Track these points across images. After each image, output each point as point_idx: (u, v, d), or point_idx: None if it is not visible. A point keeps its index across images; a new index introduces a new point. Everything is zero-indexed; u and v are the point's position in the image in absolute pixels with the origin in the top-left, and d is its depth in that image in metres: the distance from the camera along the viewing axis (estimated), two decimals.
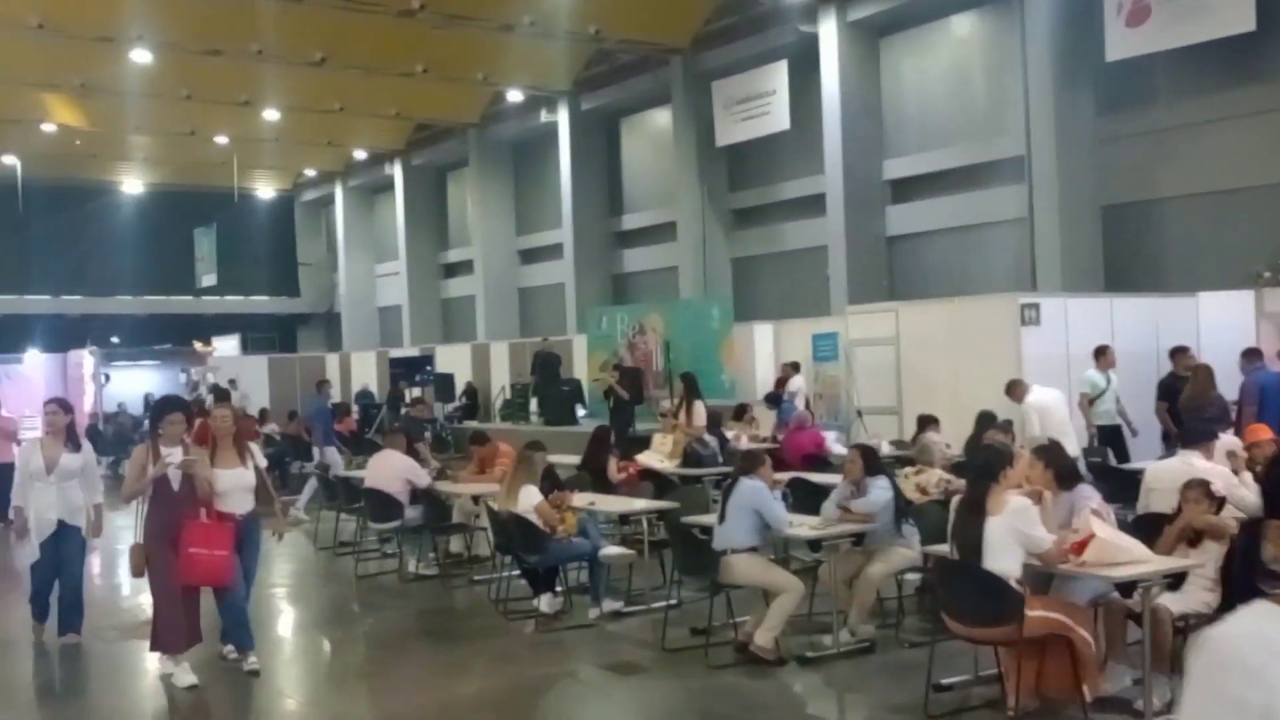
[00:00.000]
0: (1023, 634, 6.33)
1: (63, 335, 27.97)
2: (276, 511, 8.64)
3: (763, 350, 20.31)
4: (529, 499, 9.43)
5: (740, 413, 16.08)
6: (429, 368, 25.24)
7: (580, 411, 21.63)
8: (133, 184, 38.93)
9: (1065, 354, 14.75)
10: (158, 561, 7.67)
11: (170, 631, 7.70)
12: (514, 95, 30.76)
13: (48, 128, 31.95)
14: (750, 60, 25.66)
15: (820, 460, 13.19)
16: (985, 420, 11.14)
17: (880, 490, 8.42)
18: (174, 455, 7.69)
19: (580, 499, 10.23)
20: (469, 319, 35.09)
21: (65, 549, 8.96)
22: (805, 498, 10.36)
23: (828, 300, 23.48)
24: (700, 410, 13.91)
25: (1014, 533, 6.46)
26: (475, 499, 11.28)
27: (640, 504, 10.13)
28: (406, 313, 37.06)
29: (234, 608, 7.97)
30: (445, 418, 22.31)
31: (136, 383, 24.71)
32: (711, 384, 19.48)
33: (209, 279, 36.09)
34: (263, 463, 8.51)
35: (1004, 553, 6.46)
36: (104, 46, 26.24)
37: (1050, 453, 7.37)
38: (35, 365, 23.63)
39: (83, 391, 23.62)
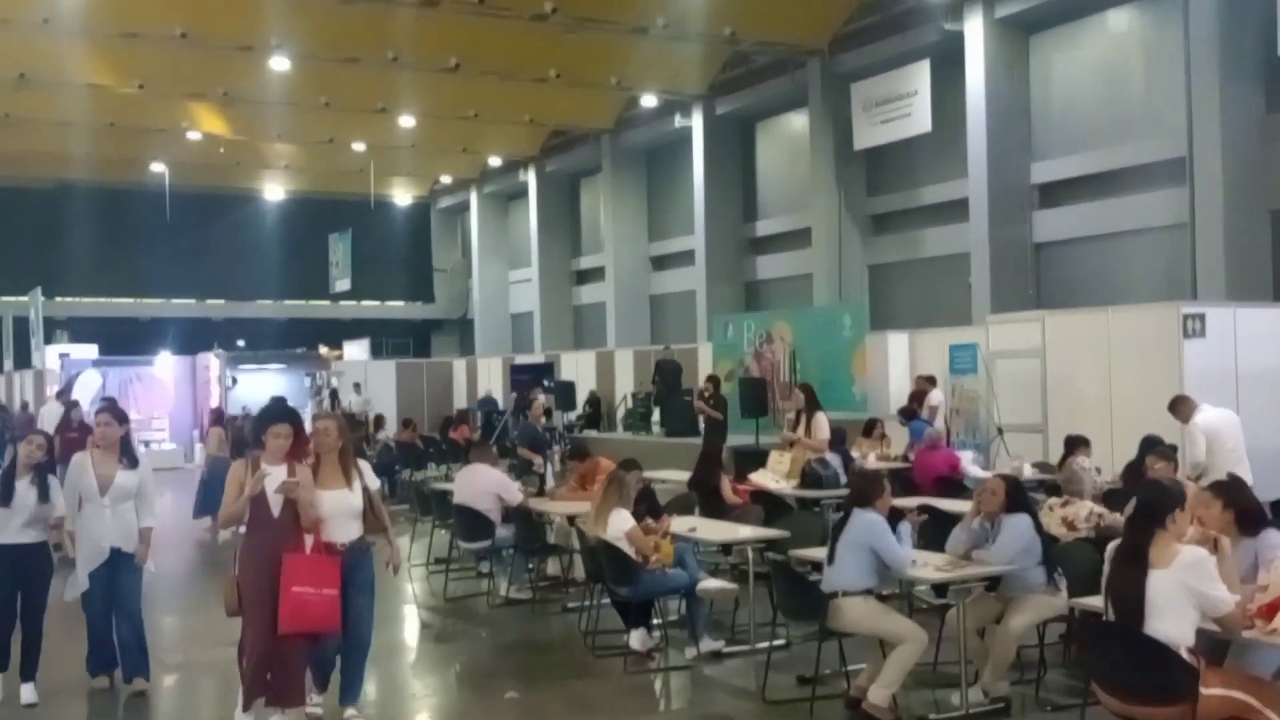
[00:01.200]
0: (1197, 717, 5.03)
1: (201, 339, 28.08)
2: (389, 539, 7.07)
3: (897, 361, 18.88)
4: (620, 524, 8.36)
5: (869, 429, 14.75)
6: (549, 376, 24.37)
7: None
8: (274, 191, 39.19)
9: (1233, 369, 13.09)
10: (254, 600, 6.38)
11: (271, 684, 6.40)
12: (647, 100, 29.91)
13: (193, 136, 32.19)
14: (891, 60, 24.33)
15: (954, 484, 11.83)
16: (1150, 446, 9.55)
17: (1018, 533, 7.11)
18: (279, 473, 6.45)
19: (681, 523, 9.11)
20: (599, 326, 34.32)
21: (121, 580, 7.61)
22: (933, 527, 9.08)
23: (968, 309, 21.98)
24: (822, 424, 12.56)
25: (1187, 591, 5.16)
26: (571, 519, 10.23)
27: (746, 531, 8.93)
28: (538, 319, 36.46)
29: (352, 660, 6.84)
30: (565, 427, 21.40)
31: (263, 386, 24.46)
32: (841, 396, 18.19)
33: (343, 284, 35.97)
34: (373, 483, 6.99)
35: (1173, 614, 5.16)
36: (245, 55, 26.23)
37: (1230, 490, 6.01)
38: (165, 367, 23.56)
39: (209, 394, 23.48)
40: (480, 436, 22.18)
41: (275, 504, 6.42)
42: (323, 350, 25.84)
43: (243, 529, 6.59)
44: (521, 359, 28.62)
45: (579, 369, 25.90)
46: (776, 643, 8.10)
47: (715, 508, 11.00)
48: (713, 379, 17.96)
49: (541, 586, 10.77)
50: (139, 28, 24.45)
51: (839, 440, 12.86)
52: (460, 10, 23.98)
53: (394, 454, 18.36)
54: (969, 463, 12.80)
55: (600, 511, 8.48)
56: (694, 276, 30.32)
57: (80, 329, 33.19)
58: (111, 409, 8.07)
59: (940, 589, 7.67)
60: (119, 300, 37.55)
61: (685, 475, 12.34)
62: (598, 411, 24.85)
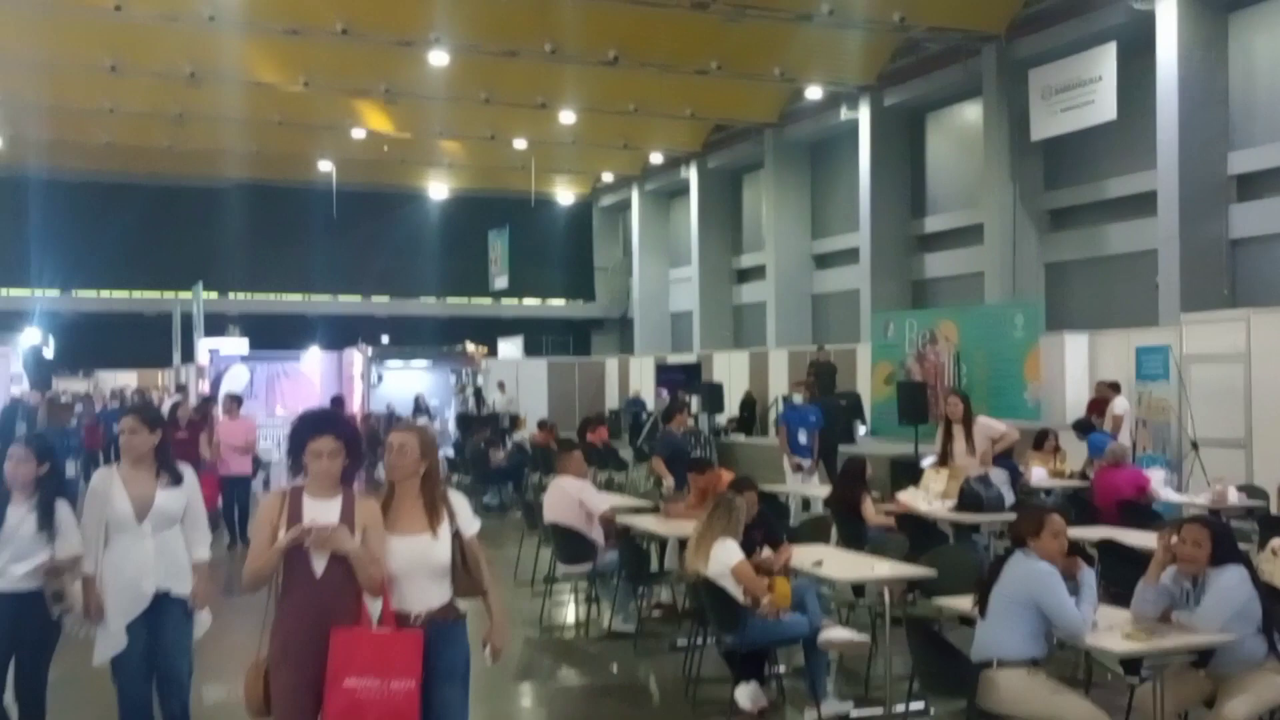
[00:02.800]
0: None
1: (350, 335, 27.54)
2: (490, 605, 4.74)
3: (1075, 365, 16.70)
4: (725, 558, 6.75)
5: (1040, 440, 12.74)
6: (695, 377, 22.72)
7: (860, 429, 18.69)
8: (436, 188, 38.66)
9: None
10: (288, 703, 4.33)
11: None
12: (812, 92, 28.13)
13: (358, 133, 31.81)
14: (1073, 44, 22.02)
15: (1142, 509, 9.83)
16: None
17: (1230, 592, 5.28)
18: (327, 511, 4.43)
19: (804, 555, 7.42)
20: (760, 325, 32.59)
21: (167, 633, 5.46)
22: (1117, 566, 7.24)
23: (1153, 311, 19.59)
24: (989, 423, 10.62)
25: None
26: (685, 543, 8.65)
27: (883, 568, 7.17)
28: (697, 318, 34.94)
29: None
30: (712, 431, 19.80)
31: (408, 383, 23.63)
32: (1012, 404, 16.21)
33: (501, 281, 35.08)
34: (470, 526, 4.62)
35: None
36: (405, 50, 25.59)
37: None
38: (313, 363, 22.93)
39: (353, 391, 22.74)
40: (630, 440, 20.89)
41: (320, 558, 4.36)
42: (470, 347, 24.91)
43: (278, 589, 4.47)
44: (672, 359, 27.11)
45: (731, 369, 24.28)
46: (915, 706, 6.40)
47: (855, 531, 9.30)
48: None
49: (653, 617, 9.24)
50: (300, 24, 24.03)
51: (1005, 453, 10.93)
52: (619, 0, 22.80)
53: (526, 456, 17.08)
54: (1160, 484, 10.75)
55: (702, 541, 6.89)
56: (858, 275, 28.36)
57: (249, 325, 33.19)
58: (142, 411, 5.77)
59: (1131, 664, 5.84)
60: (285, 297, 37.63)
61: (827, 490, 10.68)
62: (751, 415, 23.21)
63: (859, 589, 7.83)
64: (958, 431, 10.31)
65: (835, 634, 6.86)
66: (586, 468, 9.39)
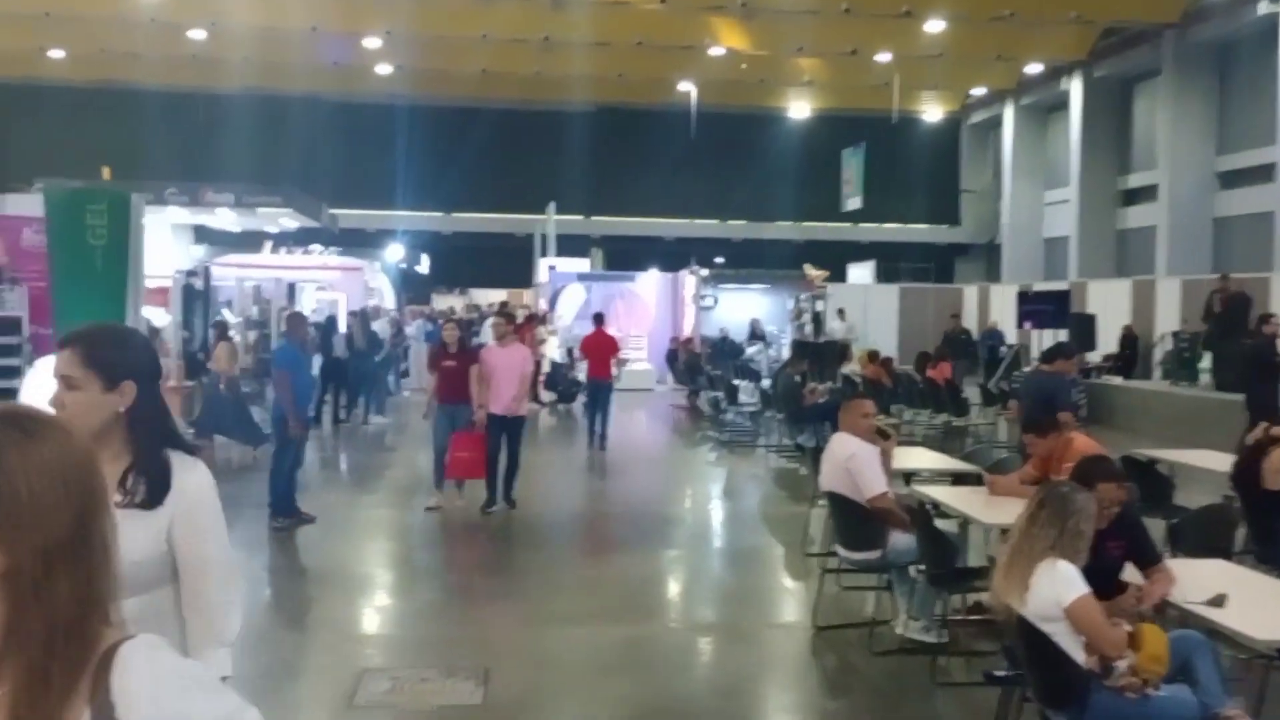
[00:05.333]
0: None
1: (686, 257, 25.72)
2: None
3: None
4: (1057, 590, 4.03)
5: None
6: (1065, 306, 18.91)
7: None
8: (797, 108, 35.79)
9: None
10: None
11: None
12: None
13: (716, 52, 29.68)
14: None
15: None
16: None
17: None
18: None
19: (1193, 577, 4.55)
20: (1147, 252, 27.83)
21: None
22: None
23: None
24: None
25: None
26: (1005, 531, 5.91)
27: None
28: (1074, 244, 30.38)
29: None
30: (1082, 372, 16.21)
31: (743, 307, 21.43)
32: None
33: (853, 203, 31.87)
34: None
35: None
36: None
37: None
38: (648, 285, 21.23)
39: (683, 314, 20.85)
40: (985, 378, 17.78)
41: None
42: (809, 271, 22.37)
43: None
44: (1039, 287, 23.27)
45: (1109, 300, 20.34)
46: None
47: (1270, 530, 6.19)
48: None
49: (964, 621, 6.57)
50: None
51: None
52: None
53: (853, 393, 14.41)
54: None
55: (1019, 558, 4.18)
56: (1273, 195, 23.23)
57: (608, 247, 32.22)
58: (85, 340, 2.50)
59: None
60: (643, 220, 36.33)
61: (1224, 460, 7.50)
62: (1133, 353, 19.31)
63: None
64: None
65: None
66: (874, 423, 6.71)
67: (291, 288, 18.94)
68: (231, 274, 19.13)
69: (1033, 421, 6.69)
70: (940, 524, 6.60)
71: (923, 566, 6.19)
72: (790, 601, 7.76)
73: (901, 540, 6.28)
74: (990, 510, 6.27)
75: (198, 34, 27.86)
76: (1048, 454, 6.40)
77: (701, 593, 8.33)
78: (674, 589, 8.34)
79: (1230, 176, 26.46)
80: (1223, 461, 7.63)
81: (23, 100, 33.45)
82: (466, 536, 9.66)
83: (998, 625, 6.10)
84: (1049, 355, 9.74)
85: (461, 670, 6.00)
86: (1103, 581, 4.38)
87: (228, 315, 16.50)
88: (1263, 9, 23.40)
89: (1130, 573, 4.88)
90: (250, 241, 24.30)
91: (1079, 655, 4.00)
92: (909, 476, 8.03)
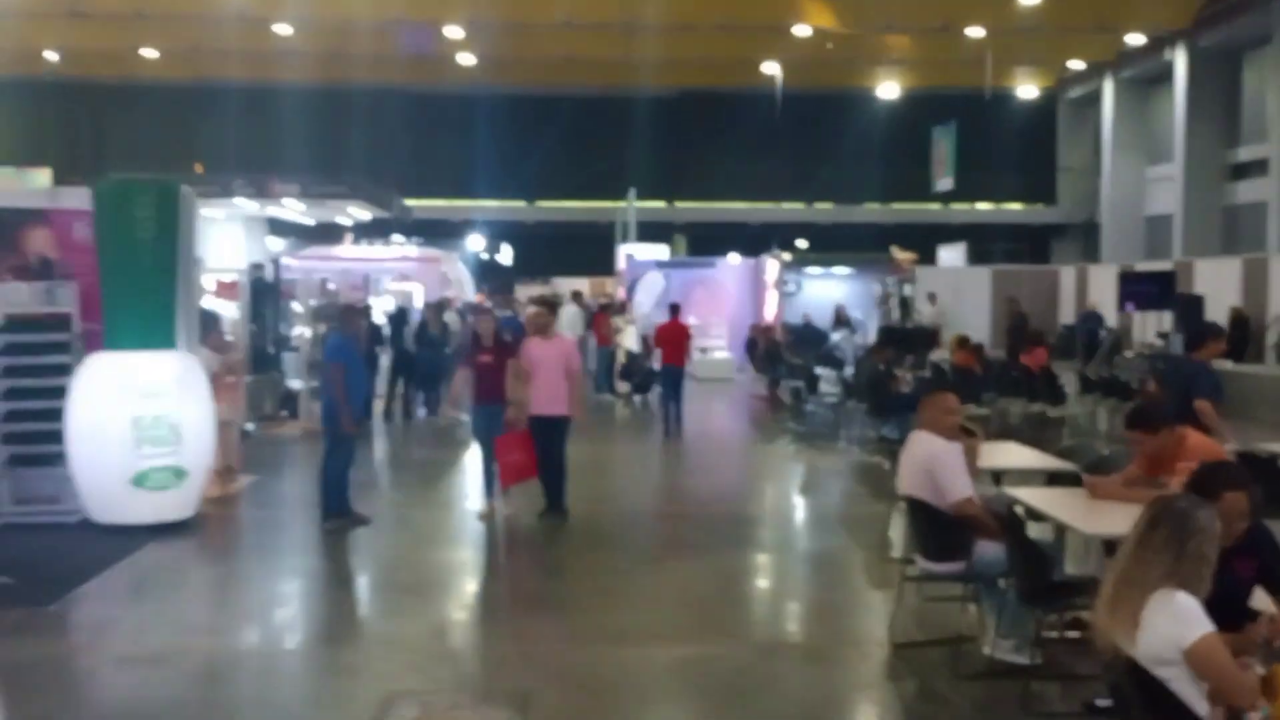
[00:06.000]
0: None
1: (766, 241, 24.83)
2: None
3: None
4: (1175, 627, 3.29)
5: None
6: (1170, 287, 17.68)
7: None
8: (884, 88, 34.57)
9: None
10: None
11: None
12: None
13: (800, 31, 28.71)
14: None
15: None
16: None
17: None
18: None
19: None
20: (1258, 230, 26.26)
21: None
22: None
23: None
24: None
25: None
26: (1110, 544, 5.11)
27: None
28: (1179, 222, 28.84)
29: None
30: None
31: (826, 293, 20.56)
32: None
33: (944, 183, 30.63)
34: None
35: None
36: None
37: None
38: (728, 271, 20.43)
39: (764, 300, 20.04)
40: (1083, 363, 16.73)
41: None
42: (896, 254, 21.37)
43: None
44: (1140, 267, 21.93)
45: (1216, 281, 19.05)
46: None
47: None
48: None
49: (1064, 640, 5.80)
50: None
51: None
52: None
53: (943, 381, 13.53)
54: None
55: (1127, 590, 3.44)
56: None
57: (692, 233, 31.54)
58: None
59: None
60: (728, 205, 35.51)
61: None
62: (1244, 336, 18.04)
63: None
64: None
65: None
66: (958, 420, 5.94)
67: (366, 279, 18.62)
68: (310, 267, 18.90)
69: (1140, 415, 5.85)
70: (1033, 531, 5.87)
71: (1013, 579, 5.45)
72: (867, 615, 7.00)
73: (989, 550, 5.54)
74: (1091, 517, 5.50)
75: (283, 28, 27.84)
76: (1157, 453, 5.59)
77: (770, 605, 7.66)
78: (740, 601, 7.61)
79: None
80: None
81: (119, 99, 34.00)
82: (520, 541, 9.09)
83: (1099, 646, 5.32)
84: (1195, 338, 8.45)
85: (499, 695, 5.43)
86: (1229, 609, 3.64)
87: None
88: None
89: (1260, 597, 4.13)
90: (331, 234, 24.13)
91: (1201, 706, 3.27)
92: (998, 476, 7.27)
